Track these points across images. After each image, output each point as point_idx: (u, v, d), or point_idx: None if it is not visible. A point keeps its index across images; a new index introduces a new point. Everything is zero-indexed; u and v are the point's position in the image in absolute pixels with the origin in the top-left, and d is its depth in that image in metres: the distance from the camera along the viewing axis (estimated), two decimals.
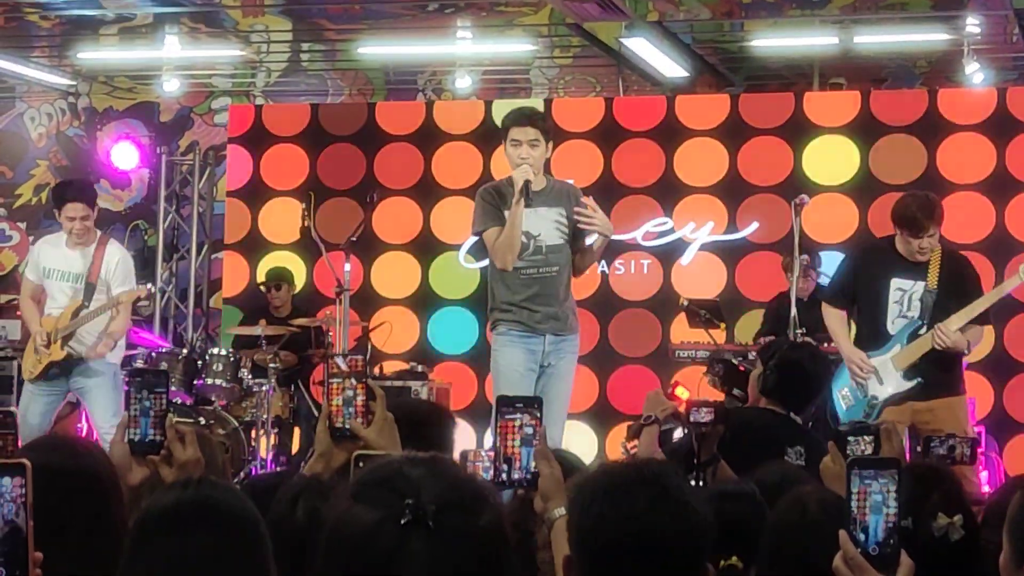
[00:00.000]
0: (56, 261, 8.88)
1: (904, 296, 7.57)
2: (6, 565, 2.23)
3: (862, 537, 2.45)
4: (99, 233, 9.00)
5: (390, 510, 1.95)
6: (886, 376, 7.53)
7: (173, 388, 9.85)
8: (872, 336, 7.56)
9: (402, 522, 1.94)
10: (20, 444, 3.39)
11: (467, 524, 1.99)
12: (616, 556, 2.45)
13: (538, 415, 3.32)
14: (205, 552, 2.48)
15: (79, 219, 8.73)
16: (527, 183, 7.25)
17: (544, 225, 7.48)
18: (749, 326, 10.60)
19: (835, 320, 7.84)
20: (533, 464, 3.30)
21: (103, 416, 8.62)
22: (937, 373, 7.35)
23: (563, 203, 7.50)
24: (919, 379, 7.35)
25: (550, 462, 3.27)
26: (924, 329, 7.51)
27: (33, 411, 8.78)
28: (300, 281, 11.89)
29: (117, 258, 8.91)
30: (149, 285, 9.27)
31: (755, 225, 11.28)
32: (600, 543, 2.47)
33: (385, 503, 1.97)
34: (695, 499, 2.52)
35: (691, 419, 5.80)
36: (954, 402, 7.42)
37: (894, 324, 7.55)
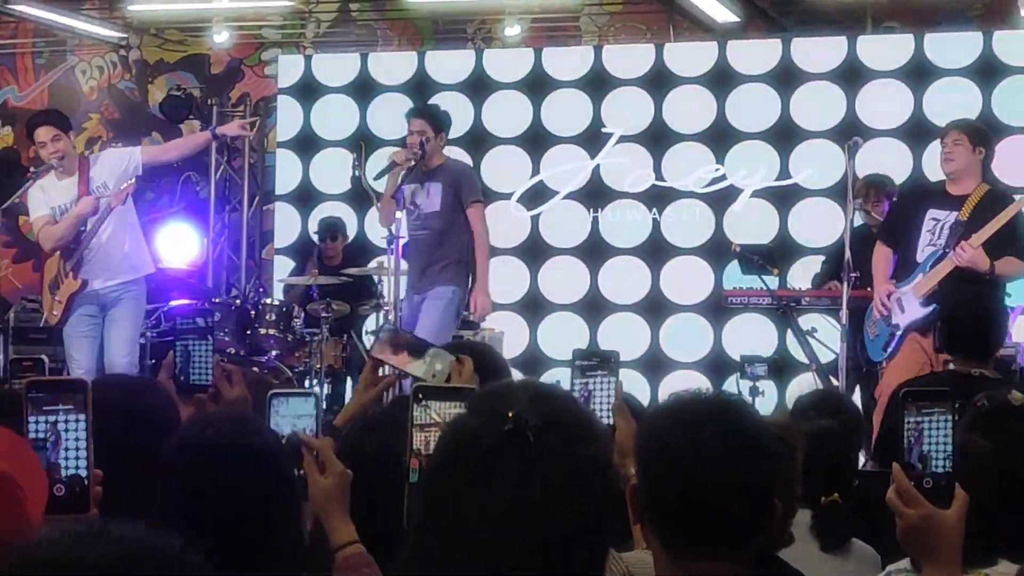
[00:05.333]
0: (58, 197, 8.33)
1: (937, 226, 7.57)
2: (68, 481, 2.26)
3: (916, 469, 2.42)
4: (78, 156, 8.48)
5: (495, 418, 2.02)
6: (907, 304, 7.55)
7: (227, 339, 9.88)
8: (904, 266, 7.63)
9: (504, 429, 1.99)
10: None
11: (567, 448, 2.02)
12: (683, 487, 2.39)
13: (613, 370, 3.28)
14: (234, 484, 2.55)
15: (49, 141, 8.19)
16: (394, 163, 8.67)
17: (426, 198, 8.71)
18: (803, 273, 10.52)
19: (879, 256, 7.92)
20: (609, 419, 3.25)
21: (118, 349, 8.24)
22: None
23: (445, 179, 8.67)
24: (936, 304, 7.30)
25: (627, 417, 3.21)
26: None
27: (81, 354, 8.28)
28: (351, 231, 11.88)
29: (100, 160, 8.42)
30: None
31: (808, 171, 11.19)
32: (668, 473, 2.41)
33: (493, 413, 2.03)
34: (765, 433, 2.46)
35: (748, 372, 5.77)
36: None
37: (923, 252, 7.56)
